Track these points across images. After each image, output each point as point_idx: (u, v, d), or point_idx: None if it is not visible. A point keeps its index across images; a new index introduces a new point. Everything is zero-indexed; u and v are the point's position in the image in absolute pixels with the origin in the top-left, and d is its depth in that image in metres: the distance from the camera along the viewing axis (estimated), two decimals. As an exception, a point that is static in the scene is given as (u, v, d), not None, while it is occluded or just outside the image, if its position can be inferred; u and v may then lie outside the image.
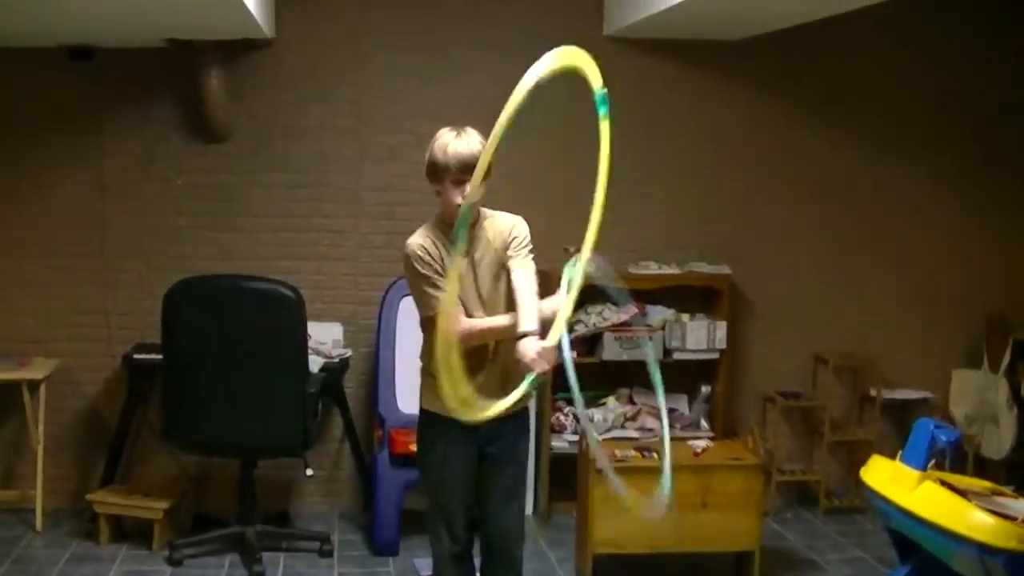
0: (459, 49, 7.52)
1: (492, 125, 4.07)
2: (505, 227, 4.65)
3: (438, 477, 4.83)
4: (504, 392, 4.41)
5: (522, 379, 4.32)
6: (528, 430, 5.09)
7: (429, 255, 4.57)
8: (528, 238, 4.65)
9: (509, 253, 4.60)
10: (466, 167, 4.39)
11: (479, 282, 4.63)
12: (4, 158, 7.30)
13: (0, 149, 7.29)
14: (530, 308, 4.43)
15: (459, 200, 4.45)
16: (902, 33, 7.78)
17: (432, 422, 4.73)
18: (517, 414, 4.74)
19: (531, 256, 4.62)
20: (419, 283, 4.60)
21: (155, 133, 7.35)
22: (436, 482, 4.85)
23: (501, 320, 4.59)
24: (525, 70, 4.38)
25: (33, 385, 6.94)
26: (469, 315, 4.59)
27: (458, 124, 4.61)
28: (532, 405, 5.11)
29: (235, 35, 6.92)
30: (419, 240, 4.62)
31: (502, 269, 4.63)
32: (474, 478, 4.79)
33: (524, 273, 4.55)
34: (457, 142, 4.49)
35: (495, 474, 4.80)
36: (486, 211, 4.70)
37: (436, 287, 4.52)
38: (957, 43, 7.89)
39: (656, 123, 7.70)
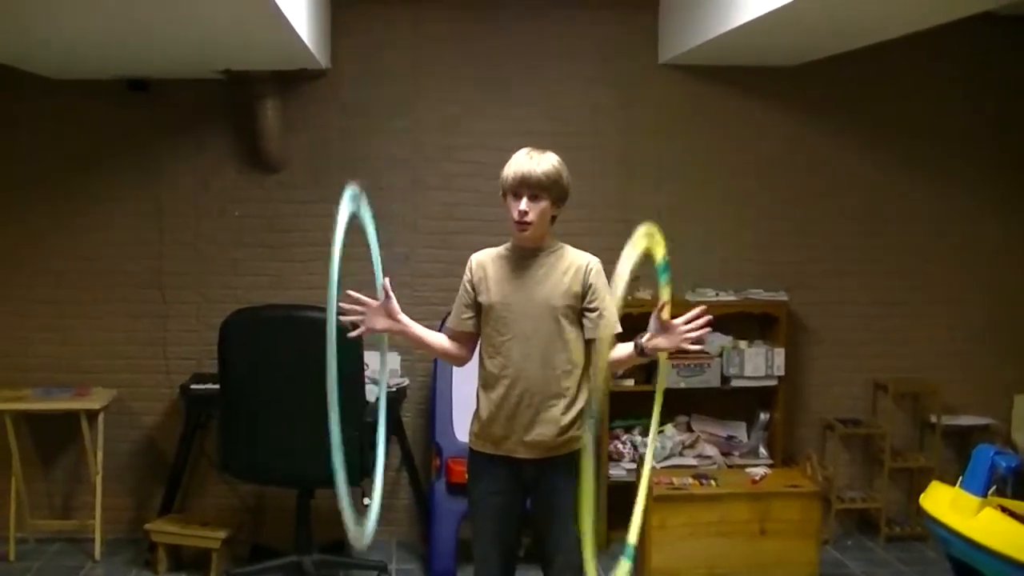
0: (514, 80, 7.52)
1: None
2: (583, 265, 4.53)
3: (473, 516, 4.81)
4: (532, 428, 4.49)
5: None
6: (573, 475, 4.66)
7: (470, 273, 4.63)
8: (605, 283, 4.50)
9: (590, 299, 4.50)
10: (522, 180, 4.39)
11: (527, 309, 4.52)
12: (63, 189, 7.37)
13: (59, 180, 7.37)
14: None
15: (516, 211, 4.43)
16: (958, 59, 7.72)
17: (475, 460, 4.74)
18: (563, 460, 4.60)
19: (607, 303, 4.48)
20: (461, 295, 4.69)
21: (210, 164, 7.40)
22: (473, 520, 4.83)
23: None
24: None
25: (91, 415, 6.97)
26: (508, 332, 4.54)
27: (512, 154, 4.59)
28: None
29: (290, 66, 6.96)
30: (478, 256, 4.68)
31: (568, 307, 4.51)
32: (515, 522, 4.72)
33: (604, 326, 4.47)
34: (524, 158, 4.44)
35: (546, 514, 4.68)
36: (565, 246, 4.62)
37: (468, 307, 4.63)
38: (1013, 66, 7.81)
39: (712, 149, 7.67)
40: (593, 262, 4.54)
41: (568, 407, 4.51)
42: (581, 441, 4.49)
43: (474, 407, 4.71)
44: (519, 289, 4.52)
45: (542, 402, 4.48)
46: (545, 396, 4.49)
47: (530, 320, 4.48)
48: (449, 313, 4.76)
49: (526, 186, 4.39)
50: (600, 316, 4.46)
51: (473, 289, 4.62)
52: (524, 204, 4.41)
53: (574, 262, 4.53)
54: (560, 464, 4.56)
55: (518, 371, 4.48)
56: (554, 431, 4.50)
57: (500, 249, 4.65)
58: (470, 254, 4.73)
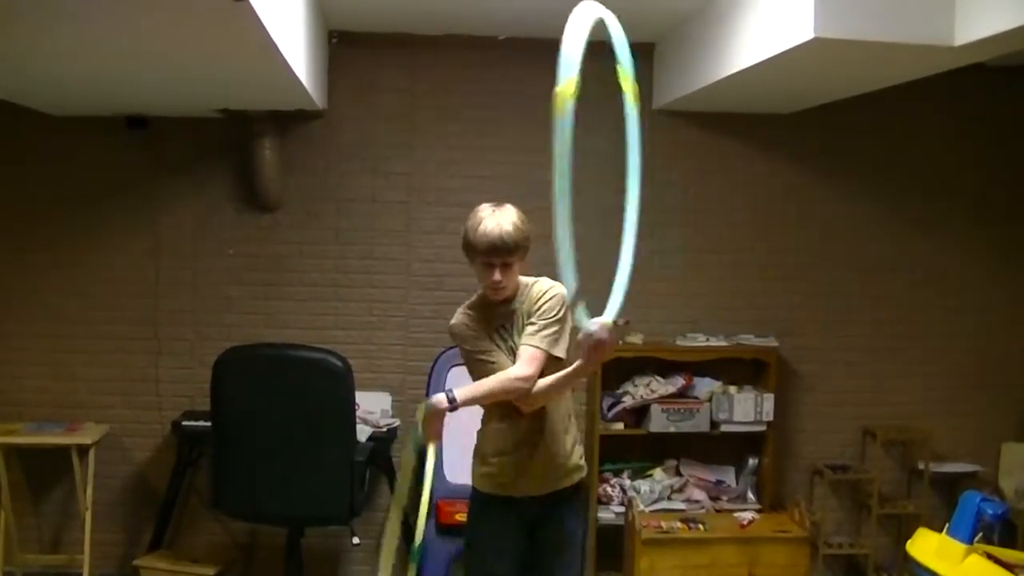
0: (509, 125, 7.56)
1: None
2: (535, 297, 4.57)
3: (479, 557, 4.83)
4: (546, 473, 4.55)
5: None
6: (580, 511, 4.89)
7: (471, 330, 4.62)
8: (552, 316, 4.50)
9: (527, 323, 4.53)
10: (493, 250, 4.38)
11: (512, 355, 4.56)
12: (61, 224, 7.41)
13: (56, 214, 7.40)
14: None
15: (491, 279, 4.45)
16: (949, 109, 7.80)
17: (480, 502, 4.77)
18: (568, 493, 4.69)
19: (546, 333, 4.47)
20: (472, 358, 4.64)
21: (208, 202, 7.44)
22: (477, 562, 4.85)
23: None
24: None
25: (83, 450, 6.98)
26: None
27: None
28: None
29: (288, 106, 7.02)
30: (458, 319, 4.67)
31: None
32: (520, 562, 4.74)
33: (526, 344, 4.47)
34: (488, 221, 4.42)
35: (549, 558, 4.73)
36: (526, 281, 4.65)
37: (489, 356, 4.57)
38: (1004, 117, 7.89)
39: (704, 195, 7.73)
40: (549, 291, 4.56)
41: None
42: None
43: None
44: (500, 343, 4.60)
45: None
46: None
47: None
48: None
49: (497, 255, 4.40)
50: (527, 324, 4.52)
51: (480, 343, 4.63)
52: (497, 274, 4.45)
53: (535, 296, 4.58)
54: (565, 503, 4.70)
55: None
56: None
57: (468, 310, 4.68)
58: (463, 296, 4.78)
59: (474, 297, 4.70)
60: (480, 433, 4.76)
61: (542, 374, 4.42)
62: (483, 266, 4.46)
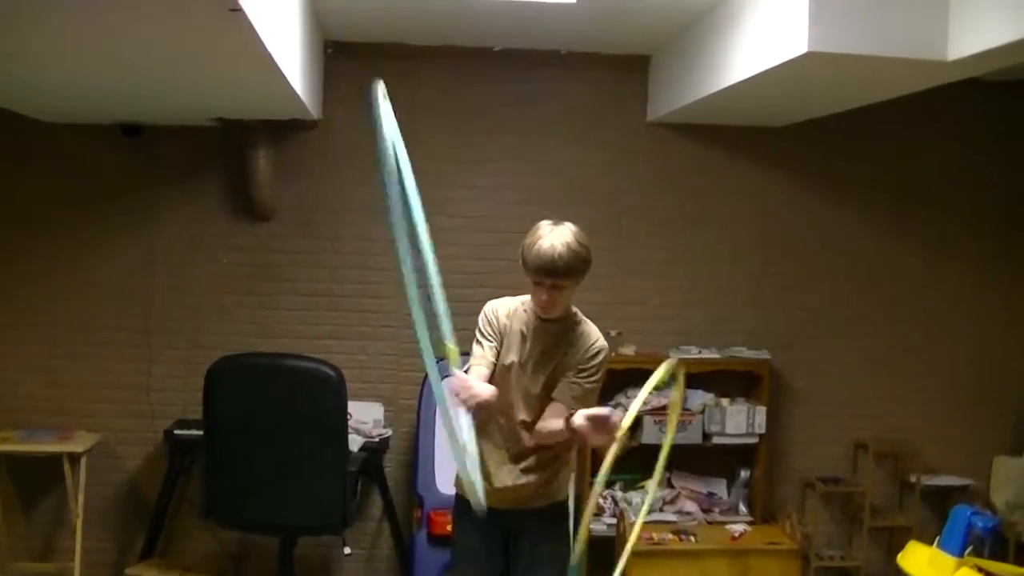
0: (505, 136, 7.58)
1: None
2: (584, 346, 4.53)
3: (456, 561, 4.86)
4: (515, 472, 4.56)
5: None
6: (560, 523, 4.87)
7: (495, 316, 4.62)
8: (598, 378, 4.52)
9: (573, 374, 4.50)
10: (544, 271, 4.32)
11: (535, 367, 4.56)
12: (54, 232, 7.41)
13: (51, 222, 7.40)
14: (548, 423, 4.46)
15: (540, 300, 4.43)
16: (945, 123, 7.83)
17: (458, 505, 4.79)
18: (544, 507, 4.69)
19: (590, 385, 4.50)
20: (479, 336, 4.66)
21: (202, 211, 7.45)
22: (456, 566, 4.88)
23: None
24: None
25: (74, 458, 6.98)
26: (501, 387, 4.54)
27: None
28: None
29: (283, 116, 7.03)
30: (497, 304, 4.68)
31: (556, 375, 4.55)
32: (496, 569, 4.74)
33: (565, 394, 4.48)
34: (544, 241, 4.33)
35: (527, 572, 4.73)
36: (576, 314, 4.62)
37: (487, 348, 4.59)
38: (999, 131, 7.91)
39: (697, 208, 7.74)
40: (597, 345, 4.55)
41: None
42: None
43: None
44: (534, 358, 4.57)
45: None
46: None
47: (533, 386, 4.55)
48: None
49: (547, 276, 4.35)
50: (570, 384, 4.49)
51: (500, 334, 4.63)
52: (546, 295, 4.40)
53: (587, 343, 4.54)
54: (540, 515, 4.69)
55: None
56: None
57: (519, 303, 4.66)
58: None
59: (530, 296, 4.63)
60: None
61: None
62: (533, 284, 4.43)
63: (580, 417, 4.15)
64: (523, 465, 4.58)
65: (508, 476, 4.59)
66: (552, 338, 4.54)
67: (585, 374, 4.49)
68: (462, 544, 4.80)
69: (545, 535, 4.71)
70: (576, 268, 4.35)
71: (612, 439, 4.11)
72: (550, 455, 4.60)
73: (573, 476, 4.54)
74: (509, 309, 4.65)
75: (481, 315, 4.67)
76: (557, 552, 4.72)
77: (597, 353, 4.52)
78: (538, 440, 4.49)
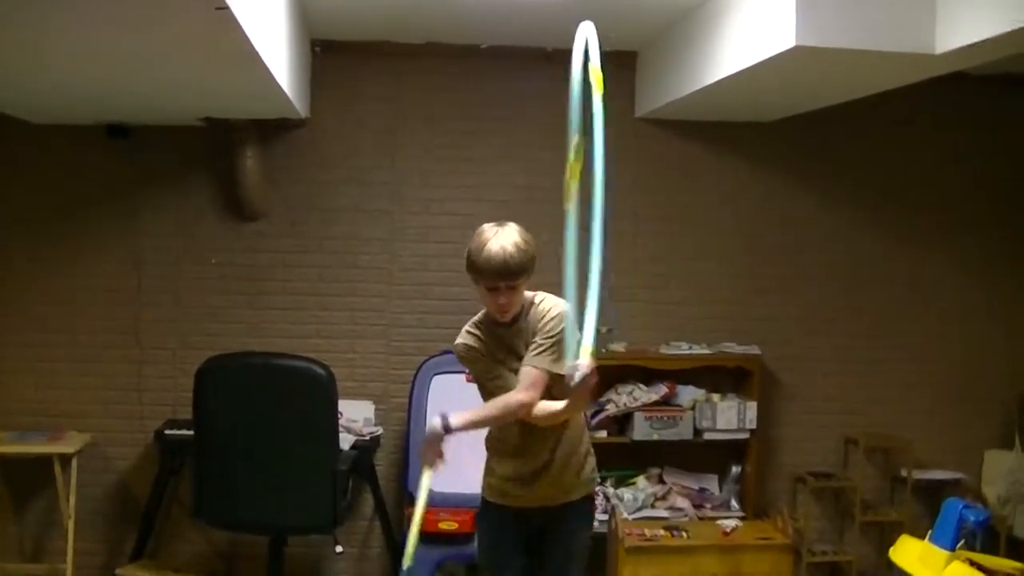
0: (492, 134, 7.59)
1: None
2: (540, 315, 4.52)
3: (485, 564, 4.86)
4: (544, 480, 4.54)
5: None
6: (588, 518, 4.89)
7: (475, 351, 4.59)
8: (555, 335, 4.44)
9: (531, 345, 4.49)
10: (497, 274, 4.31)
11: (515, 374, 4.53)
12: (42, 233, 7.39)
13: (39, 225, 7.38)
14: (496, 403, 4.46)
15: (497, 303, 4.41)
16: (933, 118, 7.83)
17: (485, 509, 4.79)
18: (574, 502, 4.68)
19: (548, 353, 4.42)
20: (480, 380, 4.64)
21: (190, 211, 7.43)
22: (485, 567, 4.87)
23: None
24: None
25: (65, 459, 6.96)
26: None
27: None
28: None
29: (270, 115, 7.01)
30: (462, 340, 4.64)
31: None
32: (527, 566, 4.74)
33: (527, 366, 4.45)
34: (493, 244, 4.32)
35: (550, 566, 4.75)
36: (534, 296, 4.60)
37: (498, 378, 4.57)
38: (986, 127, 7.92)
39: (688, 203, 7.74)
40: (552, 310, 4.50)
41: None
42: None
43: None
44: (510, 362, 4.56)
45: None
46: None
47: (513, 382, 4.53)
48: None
49: (501, 279, 4.34)
50: (535, 348, 4.47)
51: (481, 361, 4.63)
52: (503, 297, 4.39)
53: (539, 315, 4.53)
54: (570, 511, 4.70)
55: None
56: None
57: (473, 328, 4.64)
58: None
59: (479, 315, 4.64)
60: (487, 443, 4.77)
61: (550, 391, 4.41)
62: (488, 290, 4.41)
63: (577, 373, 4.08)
64: (542, 457, 4.58)
65: (531, 474, 4.60)
66: (516, 333, 4.54)
67: (545, 332, 4.45)
68: (490, 546, 4.81)
69: (571, 531, 4.75)
70: (527, 265, 4.36)
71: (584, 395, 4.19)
72: (559, 436, 4.58)
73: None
74: (470, 341, 4.62)
75: (463, 362, 4.68)
76: (580, 545, 4.78)
77: (550, 309, 4.49)
78: (537, 421, 4.45)
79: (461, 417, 4.40)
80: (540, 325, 4.47)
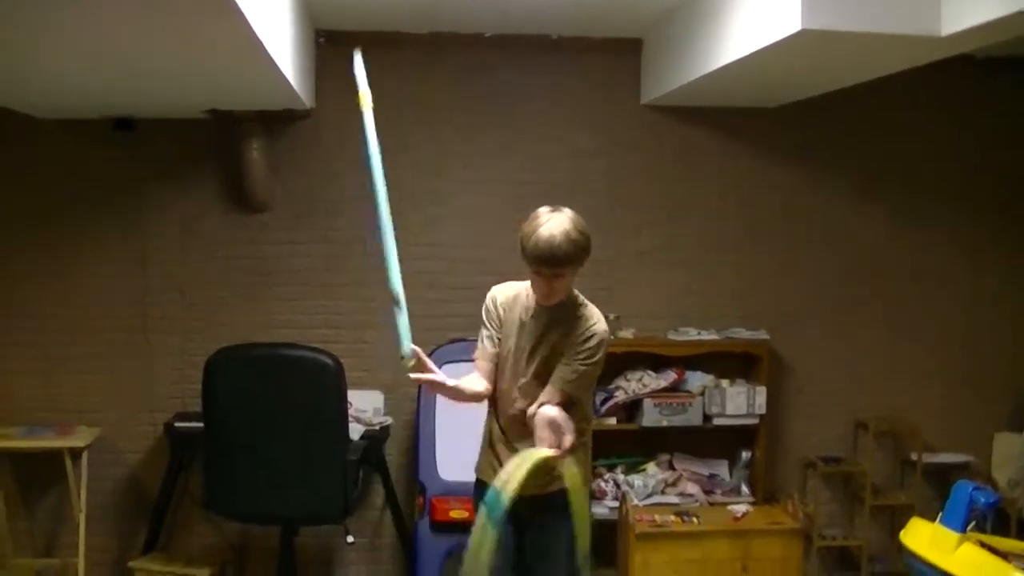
0: (498, 123, 7.56)
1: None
2: (581, 329, 4.49)
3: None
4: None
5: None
6: (566, 520, 4.74)
7: (494, 306, 4.66)
8: (592, 363, 4.46)
9: (569, 357, 4.47)
10: (543, 261, 4.28)
11: (530, 353, 4.56)
12: (48, 227, 7.38)
13: (45, 221, 7.37)
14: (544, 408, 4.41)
15: (541, 290, 4.42)
16: (938, 101, 7.81)
17: (478, 490, 4.78)
18: (554, 494, 4.59)
19: (577, 380, 4.45)
20: (483, 324, 4.70)
21: (196, 203, 7.42)
22: None
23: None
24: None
25: (75, 453, 6.97)
26: (501, 376, 4.62)
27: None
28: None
29: (275, 106, 7.00)
30: (497, 292, 4.70)
31: (551, 360, 4.53)
32: (511, 557, 4.74)
33: (557, 381, 4.47)
34: (543, 230, 4.27)
35: (533, 564, 4.76)
36: (577, 297, 4.59)
37: (486, 338, 4.65)
38: (991, 109, 7.90)
39: (695, 189, 7.72)
40: (594, 328, 4.51)
41: None
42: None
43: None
44: (530, 344, 4.57)
45: None
46: None
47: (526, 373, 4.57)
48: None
49: (547, 266, 4.31)
50: (563, 365, 4.48)
51: (499, 322, 4.66)
52: (545, 285, 4.39)
53: (581, 327, 4.51)
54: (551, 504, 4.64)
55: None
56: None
57: (523, 292, 4.65)
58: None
59: (529, 283, 4.60)
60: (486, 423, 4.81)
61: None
62: (534, 274, 4.40)
63: (544, 411, 4.22)
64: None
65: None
66: (550, 322, 4.52)
67: (580, 357, 4.45)
68: None
69: (552, 526, 4.70)
70: (575, 257, 4.31)
71: (559, 451, 4.22)
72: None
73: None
74: (509, 296, 4.66)
75: (484, 304, 4.70)
76: (564, 542, 4.72)
77: (592, 336, 4.46)
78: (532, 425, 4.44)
79: (441, 375, 4.53)
80: (580, 340, 4.46)
